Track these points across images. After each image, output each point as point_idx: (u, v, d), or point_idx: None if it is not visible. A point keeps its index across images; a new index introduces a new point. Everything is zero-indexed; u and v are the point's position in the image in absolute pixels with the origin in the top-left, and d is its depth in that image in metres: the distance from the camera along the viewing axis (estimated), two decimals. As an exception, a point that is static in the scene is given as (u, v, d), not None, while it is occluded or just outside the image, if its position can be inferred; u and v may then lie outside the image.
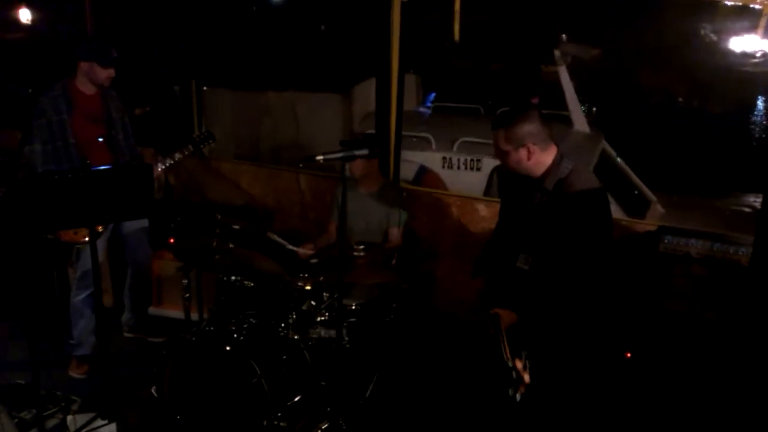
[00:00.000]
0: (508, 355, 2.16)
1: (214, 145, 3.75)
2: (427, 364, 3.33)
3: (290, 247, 3.39)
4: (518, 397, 2.10)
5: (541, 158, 2.58)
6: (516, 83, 9.31)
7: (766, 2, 3.20)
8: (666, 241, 3.27)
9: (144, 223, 3.73)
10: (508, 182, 2.87)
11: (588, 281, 2.52)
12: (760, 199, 2.93)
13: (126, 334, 3.96)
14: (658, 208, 5.02)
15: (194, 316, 3.45)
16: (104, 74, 3.38)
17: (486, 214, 3.89)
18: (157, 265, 4.12)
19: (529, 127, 2.54)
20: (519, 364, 2.13)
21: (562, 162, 2.59)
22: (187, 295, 3.24)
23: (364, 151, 2.63)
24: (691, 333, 3.03)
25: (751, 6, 3.24)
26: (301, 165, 4.16)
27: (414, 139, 5.26)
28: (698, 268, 3.23)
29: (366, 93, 5.56)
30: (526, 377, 2.11)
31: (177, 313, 3.88)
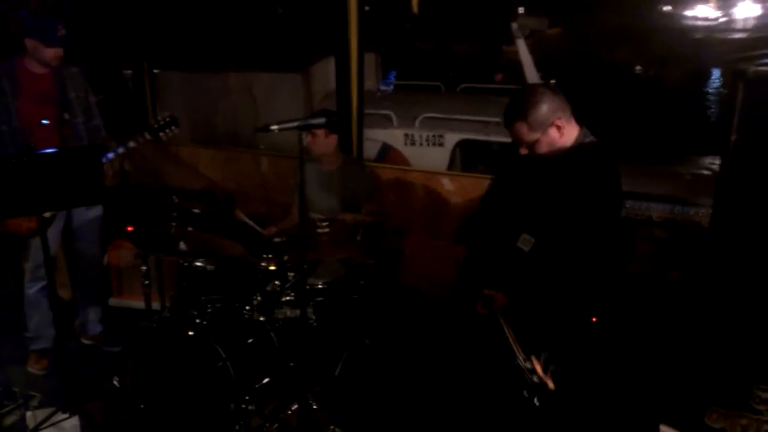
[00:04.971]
0: (521, 353, 1.93)
1: (177, 131, 3.39)
2: (397, 341, 3.32)
3: (255, 227, 3.30)
4: (536, 401, 1.84)
5: (570, 130, 2.34)
6: (477, 62, 9.33)
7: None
8: (628, 206, 3.31)
9: (96, 212, 3.52)
10: (510, 150, 2.61)
11: (594, 271, 2.31)
12: (718, 161, 2.97)
13: (83, 341, 3.73)
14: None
15: (156, 304, 3.36)
16: (50, 53, 3.14)
17: (451, 189, 3.87)
18: (115, 254, 3.99)
19: (549, 104, 2.29)
20: (538, 366, 1.87)
21: (587, 134, 2.38)
22: (147, 282, 3.14)
23: (321, 120, 2.56)
24: (653, 294, 3.08)
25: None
26: (263, 146, 4.02)
27: (375, 117, 5.21)
28: (660, 231, 3.28)
29: (325, 72, 5.47)
30: (550, 383, 1.83)
31: (138, 303, 3.76)
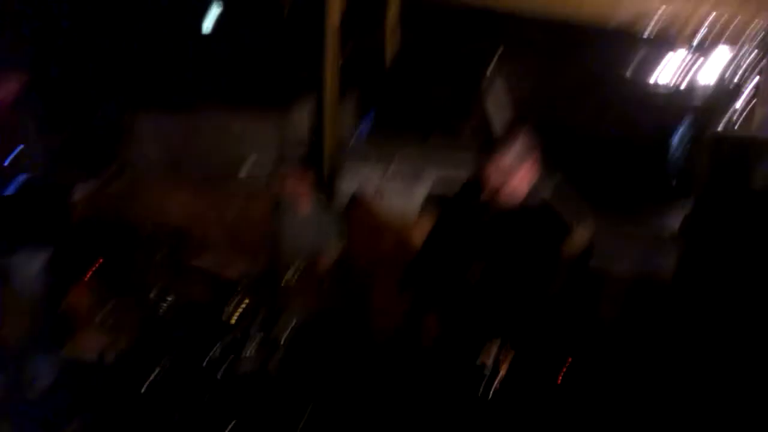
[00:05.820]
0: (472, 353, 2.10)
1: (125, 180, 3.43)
2: (363, 391, 3.26)
3: (218, 273, 3.24)
4: (491, 393, 2.06)
5: (533, 175, 2.52)
6: (451, 111, 9.48)
7: (681, 30, 3.38)
8: (596, 254, 3.34)
9: (40, 254, 3.29)
10: (459, 192, 2.83)
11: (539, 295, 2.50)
12: (682, 217, 3.05)
13: (31, 392, 3.58)
14: (586, 227, 5.17)
15: (113, 353, 3.24)
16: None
17: (422, 235, 3.86)
18: (74, 298, 3.87)
19: (522, 146, 2.47)
20: (488, 359, 2.08)
21: (543, 184, 2.58)
22: (104, 328, 3.05)
23: (295, 160, 2.55)
24: (622, 341, 3.11)
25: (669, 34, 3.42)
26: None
27: (350, 160, 5.23)
28: (627, 282, 3.33)
29: (302, 114, 5.50)
30: (503, 369, 2.07)
31: (93, 352, 3.62)
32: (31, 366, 3.51)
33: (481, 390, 2.17)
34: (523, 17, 3.63)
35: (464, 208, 2.71)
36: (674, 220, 4.36)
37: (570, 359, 2.90)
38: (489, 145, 2.50)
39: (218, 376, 2.81)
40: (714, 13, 3.25)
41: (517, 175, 2.46)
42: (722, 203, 2.69)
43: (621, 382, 2.99)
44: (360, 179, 5.14)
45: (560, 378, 2.78)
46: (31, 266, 3.32)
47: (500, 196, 2.51)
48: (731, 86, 3.37)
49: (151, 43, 5.34)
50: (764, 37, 3.21)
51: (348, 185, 5.00)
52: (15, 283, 3.30)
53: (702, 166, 2.72)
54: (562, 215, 2.59)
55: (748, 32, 3.25)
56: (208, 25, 6.05)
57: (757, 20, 3.24)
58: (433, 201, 5.12)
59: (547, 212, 2.58)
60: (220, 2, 6.07)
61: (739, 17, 3.25)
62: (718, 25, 3.29)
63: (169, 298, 2.95)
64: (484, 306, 2.49)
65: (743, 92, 3.30)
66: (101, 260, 3.17)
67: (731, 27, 3.27)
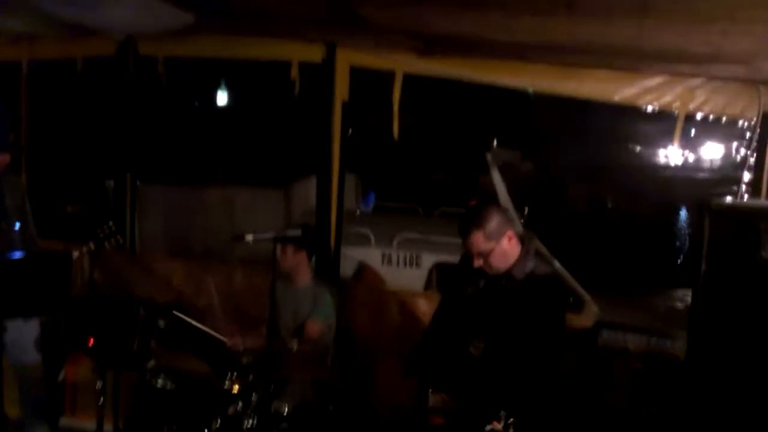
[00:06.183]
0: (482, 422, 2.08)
1: (122, 240, 3.43)
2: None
3: (213, 334, 3.15)
4: None
5: (517, 243, 2.57)
6: (454, 190, 9.68)
7: (682, 107, 3.47)
8: (604, 336, 3.29)
9: (33, 323, 3.31)
10: (455, 270, 2.83)
11: (544, 371, 2.48)
12: (690, 294, 3.01)
13: None
14: (593, 308, 5.11)
15: (110, 426, 3.13)
16: None
17: (426, 310, 3.81)
18: (72, 369, 3.78)
19: (501, 217, 2.54)
20: (498, 426, 2.06)
21: (529, 252, 2.60)
22: (102, 401, 2.95)
23: (297, 232, 2.57)
24: (633, 428, 2.99)
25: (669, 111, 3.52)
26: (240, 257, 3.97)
27: (354, 236, 5.25)
28: (636, 363, 3.24)
29: (306, 189, 5.58)
30: None
31: (91, 424, 3.50)
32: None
33: None
34: (526, 93, 3.75)
35: (463, 278, 2.71)
36: (683, 293, 4.34)
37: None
38: (466, 220, 2.55)
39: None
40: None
41: (496, 247, 2.49)
42: (731, 274, 2.68)
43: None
44: (364, 254, 5.15)
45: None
46: (27, 334, 3.27)
47: (488, 266, 2.55)
48: (737, 157, 3.43)
49: (158, 118, 5.49)
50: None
51: (351, 259, 4.99)
52: (9, 352, 3.24)
53: (709, 237, 2.73)
54: (566, 286, 2.59)
55: (750, 107, 3.35)
56: (218, 101, 6.27)
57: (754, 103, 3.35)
58: (435, 272, 5.13)
59: (548, 283, 2.57)
60: (224, 84, 6.31)
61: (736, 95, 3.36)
62: (717, 101, 3.40)
63: (169, 368, 2.86)
64: (491, 382, 2.44)
65: (749, 163, 3.36)
66: (100, 329, 3.11)
67: (731, 104, 3.38)
